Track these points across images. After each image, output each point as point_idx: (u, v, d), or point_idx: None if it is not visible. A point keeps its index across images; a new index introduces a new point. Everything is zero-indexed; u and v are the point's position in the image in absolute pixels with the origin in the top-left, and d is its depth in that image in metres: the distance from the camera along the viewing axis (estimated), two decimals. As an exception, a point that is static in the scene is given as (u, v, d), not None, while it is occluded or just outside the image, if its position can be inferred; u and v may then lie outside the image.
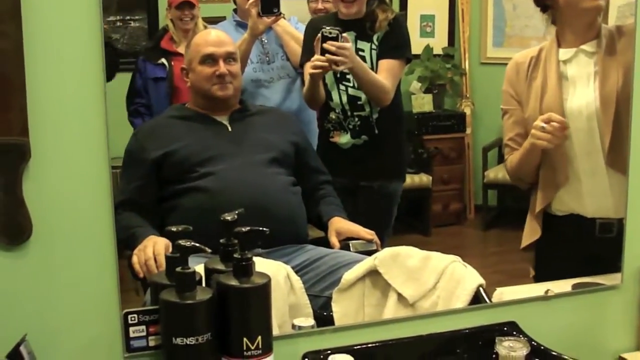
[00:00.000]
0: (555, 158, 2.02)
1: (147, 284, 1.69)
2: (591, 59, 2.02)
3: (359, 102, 2.30)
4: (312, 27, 2.30)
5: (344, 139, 2.32)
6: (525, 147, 2.03)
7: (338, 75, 2.29)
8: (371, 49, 2.28)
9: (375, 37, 2.29)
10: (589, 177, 2.02)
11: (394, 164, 2.46)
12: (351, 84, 2.29)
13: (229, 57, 2.05)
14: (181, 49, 2.20)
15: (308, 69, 2.22)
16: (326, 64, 2.12)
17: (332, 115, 2.32)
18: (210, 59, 2.03)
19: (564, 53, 2.03)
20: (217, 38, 2.08)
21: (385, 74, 2.28)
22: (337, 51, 2.11)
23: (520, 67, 2.09)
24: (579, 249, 2.07)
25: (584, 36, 2.02)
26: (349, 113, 2.31)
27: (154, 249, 1.76)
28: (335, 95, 2.31)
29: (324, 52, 2.12)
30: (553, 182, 2.06)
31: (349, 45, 2.15)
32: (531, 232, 2.12)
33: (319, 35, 2.12)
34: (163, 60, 2.20)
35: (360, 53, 2.26)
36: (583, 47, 2.02)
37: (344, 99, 2.31)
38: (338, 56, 2.11)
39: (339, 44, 2.11)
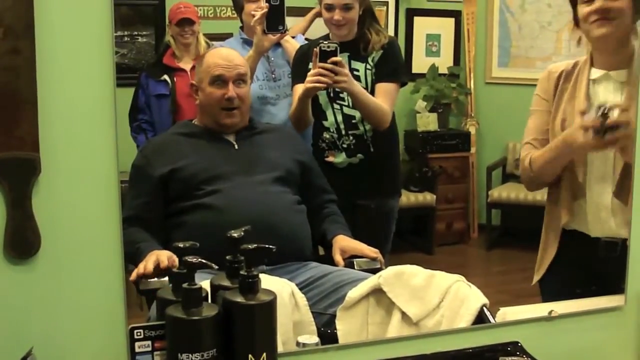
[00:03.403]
0: (567, 178, 2.03)
1: (151, 298, 1.70)
2: (620, 87, 2.01)
3: (353, 121, 2.31)
4: (301, 52, 2.32)
5: (339, 158, 2.33)
6: (556, 147, 2.00)
7: (332, 95, 2.30)
8: (366, 69, 2.30)
9: (370, 59, 2.30)
10: (594, 199, 2.03)
11: (391, 181, 2.47)
12: (345, 103, 2.30)
13: (238, 79, 2.06)
14: (183, 65, 2.23)
15: (297, 90, 2.24)
16: (326, 78, 2.13)
17: (326, 135, 2.33)
18: (219, 80, 2.04)
19: (595, 72, 2.03)
20: (228, 59, 2.08)
21: (384, 97, 2.29)
22: (336, 69, 2.12)
23: (552, 75, 2.08)
24: (583, 266, 2.07)
25: (613, 61, 2.02)
26: (343, 132, 2.32)
27: (157, 257, 1.76)
28: (329, 115, 2.32)
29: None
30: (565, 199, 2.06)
31: (345, 65, 2.17)
32: (547, 248, 2.12)
33: (317, 49, 2.13)
34: (165, 76, 2.22)
35: (355, 73, 2.27)
36: (612, 73, 2.01)
37: (339, 118, 2.32)
38: (337, 74, 2.13)
39: (339, 60, 2.12)
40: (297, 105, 2.24)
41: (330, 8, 2.28)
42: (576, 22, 2.05)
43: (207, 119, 2.08)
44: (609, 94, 2.01)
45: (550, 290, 2.11)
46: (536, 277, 2.13)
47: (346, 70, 2.16)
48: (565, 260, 2.08)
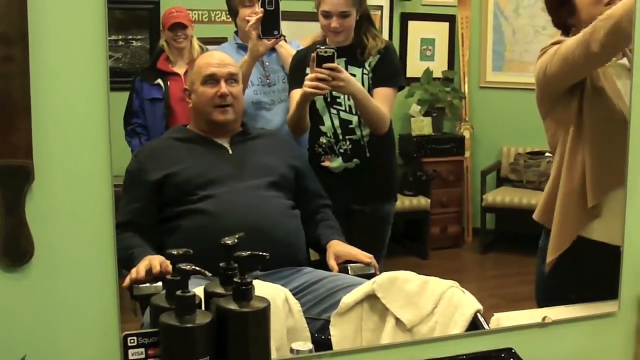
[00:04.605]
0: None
1: (146, 304, 1.70)
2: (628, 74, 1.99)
3: (350, 126, 2.31)
4: (298, 58, 2.32)
5: (335, 163, 2.33)
6: None
7: (329, 100, 2.30)
8: (363, 74, 2.30)
9: (367, 64, 2.30)
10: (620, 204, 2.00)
11: (387, 186, 2.47)
12: (343, 108, 2.30)
13: (230, 79, 2.06)
14: (177, 69, 2.23)
15: (295, 96, 2.24)
16: (324, 84, 2.13)
17: (323, 140, 2.33)
18: (212, 80, 2.05)
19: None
20: (219, 59, 2.09)
21: (382, 102, 2.29)
22: (333, 74, 2.12)
23: None
24: (583, 272, 2.06)
25: None
26: (340, 137, 2.32)
27: (150, 262, 1.76)
28: (327, 120, 2.32)
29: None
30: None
31: (343, 70, 2.17)
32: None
33: (314, 55, 2.14)
34: (159, 81, 2.22)
35: None
36: (620, 62, 1.99)
37: (336, 123, 2.32)
38: (333, 80, 2.13)
39: (335, 66, 2.13)
40: (295, 110, 2.24)
41: (327, 15, 2.27)
42: (558, 25, 2.04)
43: (201, 123, 2.08)
44: (627, 80, 1.99)
45: (545, 295, 2.11)
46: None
47: (343, 75, 2.16)
48: (576, 269, 2.07)
